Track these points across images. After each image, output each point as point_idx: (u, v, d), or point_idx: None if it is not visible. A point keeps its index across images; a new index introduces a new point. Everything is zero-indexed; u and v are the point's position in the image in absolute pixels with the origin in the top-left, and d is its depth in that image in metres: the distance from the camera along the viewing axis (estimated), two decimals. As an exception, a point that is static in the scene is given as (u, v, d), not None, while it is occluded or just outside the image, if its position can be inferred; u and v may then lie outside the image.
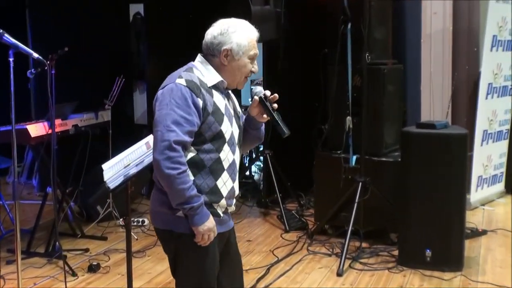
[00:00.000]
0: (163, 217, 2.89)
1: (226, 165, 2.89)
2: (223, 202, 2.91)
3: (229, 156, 2.90)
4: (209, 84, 2.85)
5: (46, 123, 5.25)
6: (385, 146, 5.67)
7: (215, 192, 2.86)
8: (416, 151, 5.00)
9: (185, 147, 2.75)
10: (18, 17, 7.72)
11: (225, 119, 2.85)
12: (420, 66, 6.90)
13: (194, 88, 2.76)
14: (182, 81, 2.77)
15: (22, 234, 5.08)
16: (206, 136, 2.80)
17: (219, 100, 2.86)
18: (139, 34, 8.06)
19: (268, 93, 2.95)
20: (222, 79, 2.88)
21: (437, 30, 6.86)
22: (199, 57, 2.95)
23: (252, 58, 2.90)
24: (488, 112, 6.73)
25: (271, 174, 6.56)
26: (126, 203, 3.90)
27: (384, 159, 5.59)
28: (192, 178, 2.79)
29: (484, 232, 5.84)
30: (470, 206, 6.53)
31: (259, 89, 2.97)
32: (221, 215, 2.93)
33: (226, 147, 2.87)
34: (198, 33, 7.75)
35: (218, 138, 2.84)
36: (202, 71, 2.88)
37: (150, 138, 3.65)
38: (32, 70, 4.33)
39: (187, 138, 2.73)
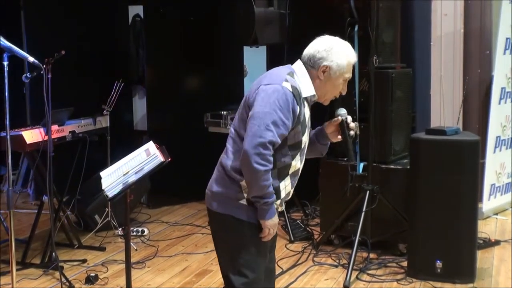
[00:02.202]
0: (226, 201, 3.05)
1: (292, 171, 3.07)
2: (277, 202, 3.07)
3: (297, 164, 3.08)
4: (305, 95, 3.02)
5: (42, 129, 5.19)
6: (394, 153, 5.62)
7: (276, 193, 3.02)
8: (425, 158, 4.95)
9: (274, 147, 2.91)
10: (12, 19, 7.67)
11: (307, 131, 3.06)
12: (430, 69, 6.87)
13: (296, 95, 2.94)
14: (288, 86, 2.92)
15: (17, 244, 4.95)
16: (289, 141, 2.98)
17: (307, 111, 3.05)
18: (138, 37, 8.02)
19: (350, 119, 3.16)
20: (314, 93, 3.05)
21: (448, 32, 6.81)
22: (299, 64, 3.09)
23: (345, 80, 3.07)
24: (501, 117, 6.67)
25: (275, 182, 6.43)
26: (125, 212, 3.84)
27: (392, 166, 5.54)
28: None
29: (497, 243, 5.77)
30: (483, 216, 6.44)
31: (343, 112, 3.15)
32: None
33: (298, 156, 3.06)
34: (199, 36, 7.69)
35: (297, 147, 3.02)
36: (301, 79, 3.03)
37: (150, 145, 3.69)
38: (28, 74, 4.32)
39: (279, 140, 2.90)
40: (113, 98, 6.10)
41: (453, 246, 4.85)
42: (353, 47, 5.25)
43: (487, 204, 6.60)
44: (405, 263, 5.17)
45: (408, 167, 5.24)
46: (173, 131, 7.07)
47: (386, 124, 5.54)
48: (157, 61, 7.31)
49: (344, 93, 3.09)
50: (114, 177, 3.55)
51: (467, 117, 6.85)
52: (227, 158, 3.03)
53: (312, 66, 3.02)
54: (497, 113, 6.57)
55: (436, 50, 6.84)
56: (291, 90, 2.90)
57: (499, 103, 6.58)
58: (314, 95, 3.04)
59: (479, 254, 5.30)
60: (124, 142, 6.23)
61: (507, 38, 6.52)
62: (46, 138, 4.86)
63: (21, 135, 5.02)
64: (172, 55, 7.17)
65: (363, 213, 5.27)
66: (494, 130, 6.55)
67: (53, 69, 4.90)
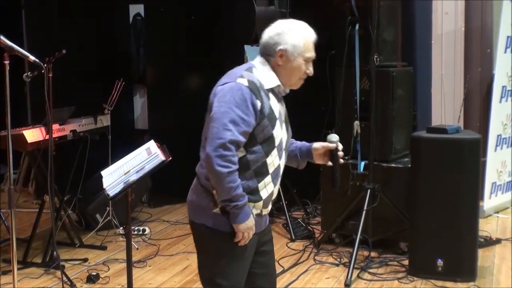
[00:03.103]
0: (200, 210, 2.98)
1: (271, 169, 2.94)
2: (259, 204, 2.95)
3: (275, 160, 2.94)
4: (267, 87, 2.90)
5: (43, 128, 5.18)
6: (395, 151, 5.61)
7: (255, 193, 2.92)
8: (426, 157, 4.94)
9: (238, 146, 2.81)
10: (13, 18, 7.67)
11: (278, 123, 2.92)
12: (431, 68, 6.87)
13: (254, 89, 2.82)
14: (243, 81, 2.83)
15: (18, 243, 5.01)
16: (258, 138, 2.86)
17: (274, 104, 2.92)
18: (139, 36, 8.02)
19: (340, 146, 3.10)
20: (279, 83, 2.94)
21: (449, 30, 6.81)
22: (258, 58, 2.99)
23: (307, 60, 2.94)
24: (502, 116, 6.66)
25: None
26: (126, 211, 3.82)
27: (393, 165, 5.53)
28: None
29: (498, 241, 5.76)
30: (484, 214, 6.43)
31: (335, 138, 3.10)
32: (254, 216, 2.96)
33: (274, 152, 2.93)
34: (201, 34, 7.69)
35: (269, 142, 2.89)
36: (261, 72, 2.93)
37: (151, 144, 3.66)
38: (29, 73, 4.31)
39: (242, 138, 2.79)
40: (114, 97, 6.09)
41: (454, 245, 4.84)
42: (354, 45, 5.35)
43: (488, 202, 6.59)
44: (406, 262, 5.15)
45: (409, 165, 5.23)
46: (174, 130, 7.06)
47: (387, 123, 5.53)
48: (158, 60, 7.31)
49: (310, 73, 2.96)
50: (115, 176, 3.54)
51: (468, 116, 6.85)
52: (201, 167, 2.96)
53: (269, 54, 2.92)
54: (498, 111, 6.56)
55: (437, 49, 6.84)
56: (247, 84, 2.80)
57: (500, 101, 6.57)
58: (278, 85, 2.93)
59: (480, 252, 5.28)
60: (125, 141, 6.22)
61: (507, 37, 6.51)
62: (47, 137, 4.86)
63: (22, 134, 5.01)
64: (173, 54, 7.16)
65: (364, 212, 5.26)
66: (495, 128, 6.54)
67: (54, 68, 4.89)
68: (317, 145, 3.11)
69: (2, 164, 8.19)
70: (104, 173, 3.66)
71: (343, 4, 5.54)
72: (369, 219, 5.35)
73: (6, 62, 3.69)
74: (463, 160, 4.83)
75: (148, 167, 3.47)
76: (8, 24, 7.19)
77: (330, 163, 3.09)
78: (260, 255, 3.10)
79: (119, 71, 6.96)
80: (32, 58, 3.75)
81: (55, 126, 5.29)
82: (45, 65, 4.10)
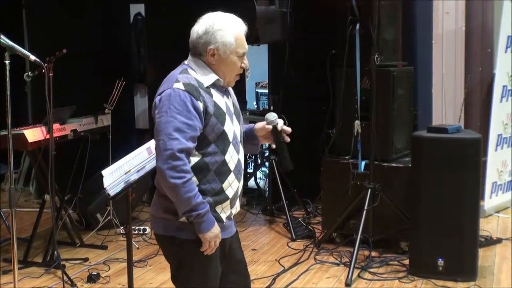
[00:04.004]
0: (165, 223, 2.87)
1: (232, 166, 2.86)
2: (227, 203, 2.88)
3: (233, 156, 2.87)
4: (206, 84, 2.81)
5: (43, 128, 5.17)
6: (395, 151, 5.60)
7: (221, 194, 2.85)
8: (427, 157, 4.93)
9: (189, 153, 2.72)
10: (14, 18, 7.66)
11: (227, 118, 2.83)
12: (431, 68, 6.85)
13: (193, 91, 2.73)
14: (179, 85, 2.73)
15: (19, 243, 5.07)
16: (210, 138, 2.78)
17: (219, 99, 2.83)
18: (140, 35, 8.02)
19: (281, 123, 2.94)
20: (218, 77, 2.84)
21: (449, 30, 6.79)
22: (190, 57, 2.91)
23: (241, 56, 2.85)
24: (503, 115, 6.65)
25: (276, 180, 6.49)
26: (127, 210, 3.88)
27: (394, 164, 5.52)
28: (196, 183, 2.76)
29: (499, 241, 5.75)
30: (484, 214, 6.42)
31: (273, 117, 2.94)
32: (224, 221, 2.91)
33: (231, 148, 2.84)
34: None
35: (222, 139, 2.81)
36: (197, 71, 2.84)
37: (151, 143, 3.65)
38: (29, 73, 4.33)
39: (191, 144, 2.70)
40: (114, 97, 6.08)
41: (455, 244, 4.83)
42: (355, 45, 5.35)
43: (489, 202, 6.58)
44: (406, 261, 5.14)
45: (410, 165, 5.22)
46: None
47: (388, 122, 5.51)
48: (159, 60, 7.29)
49: (246, 67, 2.87)
50: (116, 176, 3.54)
51: (469, 115, 6.83)
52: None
53: (200, 53, 2.83)
54: (499, 111, 6.55)
55: (438, 48, 6.82)
56: (183, 88, 2.70)
57: (501, 101, 6.56)
58: (218, 79, 2.83)
59: (481, 252, 5.27)
60: (125, 140, 6.22)
61: (508, 36, 6.50)
62: (47, 136, 4.86)
63: (23, 134, 4.99)
64: (173, 53, 7.14)
65: (364, 212, 5.25)
66: (495, 128, 6.54)
67: (55, 68, 4.85)
68: (257, 126, 3.01)
69: (2, 164, 8.19)
70: (104, 172, 3.65)
71: (343, 4, 5.52)
72: (370, 218, 5.34)
73: (7, 61, 3.69)
74: (463, 159, 4.82)
75: (149, 167, 3.47)
76: (9, 23, 7.19)
77: (273, 146, 2.99)
78: (231, 260, 3.03)
79: (120, 71, 6.95)
80: (32, 57, 3.76)
81: (56, 126, 5.27)
82: (46, 64, 4.08)
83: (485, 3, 6.78)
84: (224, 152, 2.81)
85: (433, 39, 6.83)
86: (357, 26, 5.38)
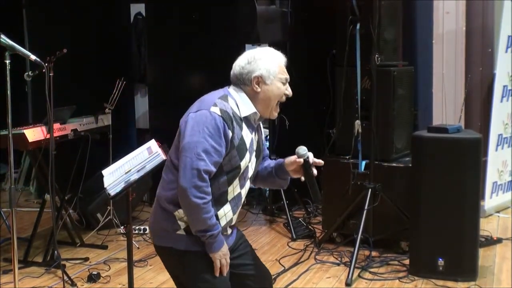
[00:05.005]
0: (163, 234, 2.94)
1: (230, 197, 2.91)
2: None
3: (236, 189, 2.93)
4: (243, 114, 2.88)
5: (44, 128, 5.17)
6: (396, 151, 5.60)
7: None
8: (427, 156, 4.92)
9: (210, 176, 2.77)
10: (14, 17, 7.66)
11: (247, 155, 2.90)
12: (432, 67, 6.84)
13: (227, 119, 2.78)
14: (217, 110, 2.78)
15: (19, 242, 5.06)
16: (224, 168, 2.83)
17: (247, 134, 2.89)
18: (140, 35, 8.02)
19: (311, 156, 2.96)
20: (256, 110, 2.91)
21: (450, 30, 6.79)
22: (232, 87, 2.95)
23: (284, 82, 2.92)
24: (503, 115, 6.65)
25: (277, 180, 6.41)
26: (127, 210, 3.83)
27: (394, 164, 5.52)
28: None
29: (499, 241, 5.74)
30: (485, 213, 6.42)
31: (304, 151, 2.96)
32: None
33: (236, 181, 2.90)
34: (202, 34, 7.68)
35: (234, 173, 2.87)
36: (237, 100, 2.89)
37: (152, 143, 3.69)
38: (30, 72, 4.34)
39: (214, 168, 2.76)
40: (115, 97, 6.08)
41: (455, 244, 4.83)
42: (355, 45, 5.35)
43: (489, 202, 6.58)
44: (407, 261, 5.14)
45: (410, 165, 5.22)
46: (175, 129, 7.03)
47: (388, 122, 5.51)
48: (159, 60, 7.30)
49: (289, 94, 2.95)
50: (116, 176, 3.53)
51: (469, 115, 6.83)
52: (162, 189, 2.94)
53: (244, 83, 2.90)
54: (499, 111, 6.55)
55: (438, 48, 6.82)
56: (220, 114, 2.75)
57: (501, 101, 6.56)
58: (255, 113, 2.90)
59: (481, 252, 5.27)
60: (126, 140, 6.22)
61: (509, 36, 6.50)
62: (48, 136, 4.85)
63: (23, 134, 4.98)
64: (174, 53, 7.16)
65: (365, 211, 5.24)
66: (496, 128, 6.54)
67: (55, 68, 4.86)
68: (288, 161, 3.03)
69: (3, 163, 8.19)
70: (105, 172, 3.63)
71: (344, 4, 5.51)
72: (370, 218, 5.33)
73: (7, 61, 3.69)
74: (464, 159, 4.81)
75: (149, 167, 3.47)
76: (9, 23, 7.18)
77: (303, 178, 2.98)
78: (237, 259, 3.08)
79: (120, 70, 6.95)
80: (33, 57, 3.75)
81: (56, 126, 5.27)
82: (46, 64, 4.08)
83: (486, 3, 6.77)
84: (229, 183, 2.86)
85: (434, 39, 6.82)
86: (358, 26, 5.37)
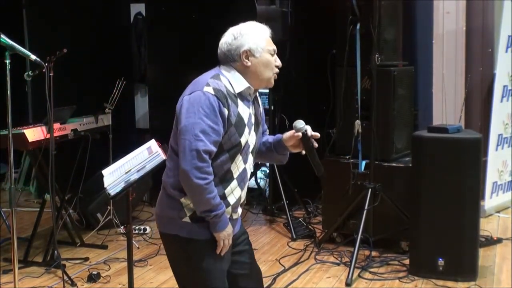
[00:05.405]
0: (168, 221, 2.94)
1: (236, 174, 2.91)
2: (228, 209, 2.92)
3: (239, 165, 2.91)
4: (237, 90, 2.87)
5: (44, 128, 5.16)
6: (396, 151, 5.60)
7: (223, 200, 2.88)
8: (427, 156, 4.92)
9: (211, 156, 2.77)
10: (15, 17, 7.66)
11: (246, 130, 2.89)
12: (432, 67, 6.84)
13: (221, 97, 2.78)
14: (210, 90, 2.78)
15: (19, 242, 5.07)
16: (224, 146, 2.82)
17: (243, 110, 2.88)
18: (140, 35, 8.01)
19: (309, 129, 2.97)
20: (249, 85, 2.89)
21: (450, 30, 6.79)
22: (222, 65, 2.95)
23: (272, 53, 2.91)
24: (503, 115, 6.65)
25: (277, 180, 6.48)
26: (127, 210, 3.85)
27: (394, 164, 5.52)
28: None
29: (499, 241, 5.74)
30: (485, 213, 6.42)
31: (301, 124, 2.95)
32: None
33: (239, 157, 2.89)
34: (202, 34, 7.68)
35: (235, 149, 2.86)
36: (229, 77, 2.88)
37: (152, 143, 3.69)
38: (30, 72, 4.33)
39: (214, 148, 2.76)
40: (115, 97, 6.08)
41: (455, 244, 4.82)
42: (355, 45, 5.35)
43: (489, 202, 6.57)
44: (407, 261, 5.14)
45: (410, 165, 5.21)
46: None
47: (388, 122, 5.51)
48: (159, 60, 7.29)
49: (279, 65, 2.92)
50: (116, 175, 3.54)
51: (469, 115, 6.83)
52: (166, 176, 2.94)
53: (233, 59, 2.89)
54: (499, 111, 6.55)
55: (438, 48, 6.82)
56: (213, 93, 2.76)
57: (501, 101, 6.56)
58: (249, 87, 2.89)
59: (481, 252, 5.27)
60: (126, 140, 6.22)
61: (509, 36, 6.49)
62: (48, 136, 4.83)
63: (23, 133, 4.98)
64: (174, 53, 7.15)
65: (365, 211, 5.24)
66: (496, 128, 6.53)
67: (55, 67, 4.84)
68: (286, 136, 3.04)
69: (3, 163, 8.18)
70: (105, 172, 3.64)
71: (344, 4, 5.51)
72: (370, 218, 5.33)
73: (7, 61, 3.69)
74: (464, 159, 4.81)
75: (149, 166, 3.49)
76: (9, 23, 7.17)
77: (303, 152, 3.00)
78: (237, 254, 3.08)
79: (120, 70, 6.94)
80: (33, 57, 3.75)
81: (56, 125, 5.26)
82: (46, 64, 4.07)
83: (486, 3, 6.77)
84: (232, 160, 2.86)
85: (434, 38, 6.82)
86: (358, 26, 5.37)
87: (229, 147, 2.83)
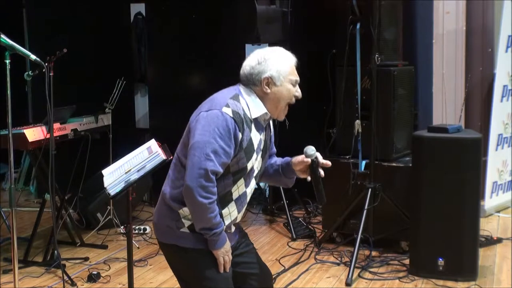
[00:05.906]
0: (166, 231, 2.94)
1: (235, 196, 2.91)
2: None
3: (241, 188, 2.91)
4: (254, 116, 2.86)
5: (44, 127, 5.17)
6: (396, 150, 5.58)
7: None
8: (427, 156, 4.92)
9: (216, 176, 2.77)
10: (14, 17, 7.65)
11: (254, 155, 2.88)
12: (432, 67, 6.83)
13: (238, 121, 2.77)
14: (229, 111, 2.76)
15: (19, 242, 5.10)
16: (231, 169, 2.82)
17: (255, 135, 2.87)
18: (141, 35, 8.00)
19: (320, 157, 2.94)
20: (266, 111, 2.88)
21: (450, 30, 6.78)
22: (242, 87, 2.92)
23: (294, 83, 2.90)
24: (503, 115, 6.64)
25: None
26: (127, 210, 3.84)
27: (394, 164, 5.51)
28: None
29: (499, 240, 5.74)
30: (485, 213, 6.42)
31: (312, 151, 2.93)
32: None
33: (241, 181, 2.89)
34: (202, 33, 7.68)
35: (240, 173, 2.86)
36: (248, 101, 2.87)
37: (152, 143, 3.69)
38: (30, 72, 4.31)
39: (222, 170, 2.75)
40: (115, 96, 6.09)
41: (455, 244, 4.82)
42: (355, 45, 5.34)
43: (489, 201, 6.57)
44: (407, 261, 5.14)
45: (410, 165, 5.22)
46: (175, 129, 7.02)
47: (388, 122, 5.50)
48: (159, 59, 7.29)
49: (299, 96, 2.91)
50: (116, 175, 3.53)
51: (469, 115, 6.82)
52: (167, 186, 2.93)
53: (254, 84, 2.87)
54: (499, 111, 6.54)
55: (438, 48, 6.81)
56: (231, 115, 2.74)
57: (501, 100, 6.55)
58: (266, 113, 2.88)
59: (481, 252, 5.27)
60: (126, 140, 6.20)
61: (509, 36, 6.49)
62: (48, 136, 4.84)
63: (23, 133, 4.99)
64: (174, 53, 7.15)
65: (365, 211, 5.24)
66: (496, 128, 6.53)
67: (55, 67, 4.85)
68: (295, 160, 3.01)
69: (3, 163, 8.18)
70: (105, 172, 3.65)
71: (344, 3, 5.51)
72: (370, 218, 5.33)
73: (7, 61, 3.69)
74: (464, 159, 4.80)
75: (149, 166, 3.47)
76: (9, 23, 7.17)
77: (309, 178, 2.97)
78: (239, 256, 3.06)
79: (120, 70, 6.94)
80: (33, 57, 3.74)
81: (56, 125, 5.27)
82: (46, 64, 4.07)
83: (486, 3, 6.76)
84: (234, 183, 2.86)
85: (434, 38, 6.81)
86: (358, 26, 5.37)
87: (235, 170, 2.82)
